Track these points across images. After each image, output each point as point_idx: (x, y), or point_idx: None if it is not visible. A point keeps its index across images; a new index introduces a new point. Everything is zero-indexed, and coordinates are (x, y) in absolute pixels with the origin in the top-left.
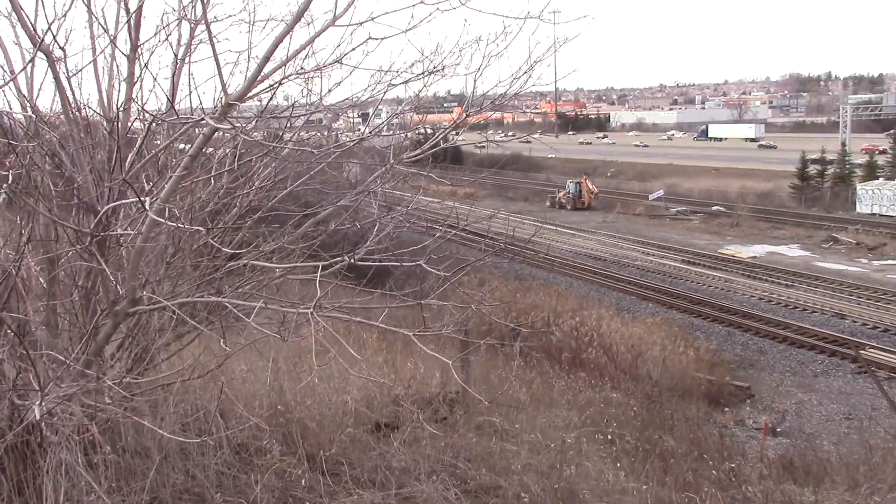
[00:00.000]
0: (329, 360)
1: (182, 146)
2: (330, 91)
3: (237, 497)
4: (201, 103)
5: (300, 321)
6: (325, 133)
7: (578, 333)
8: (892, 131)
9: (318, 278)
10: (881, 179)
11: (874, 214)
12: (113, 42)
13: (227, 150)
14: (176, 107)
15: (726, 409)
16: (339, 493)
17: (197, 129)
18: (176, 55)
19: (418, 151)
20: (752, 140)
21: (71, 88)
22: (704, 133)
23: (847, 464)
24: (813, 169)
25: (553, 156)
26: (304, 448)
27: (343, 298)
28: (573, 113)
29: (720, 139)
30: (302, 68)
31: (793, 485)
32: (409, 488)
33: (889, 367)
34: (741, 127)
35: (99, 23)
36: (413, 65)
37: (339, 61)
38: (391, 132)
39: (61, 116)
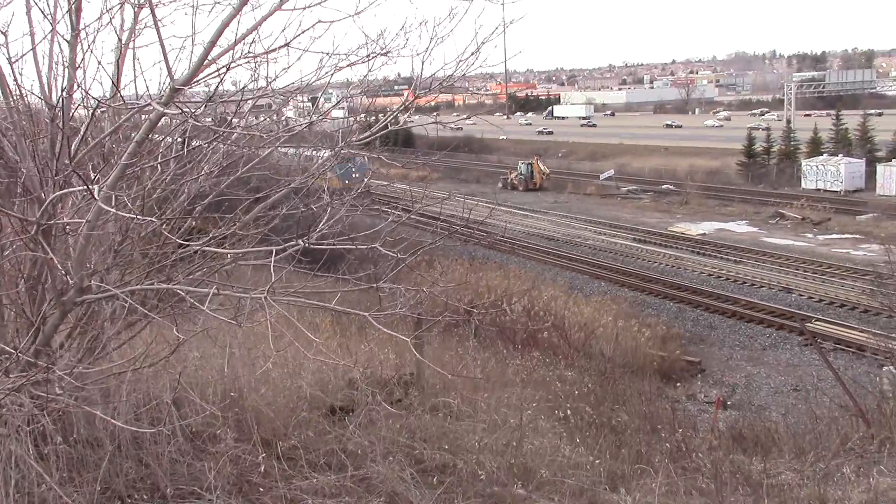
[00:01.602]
0: (284, 346)
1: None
2: (277, 76)
3: (191, 485)
4: (147, 89)
5: (254, 307)
6: (275, 118)
7: (532, 313)
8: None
9: (271, 263)
10: (825, 156)
11: (819, 190)
12: (53, 26)
13: (176, 136)
14: (121, 92)
15: (678, 384)
16: (294, 478)
17: (143, 115)
18: (120, 40)
19: (367, 134)
20: (584, 118)
21: (14, 75)
22: (551, 113)
23: (794, 433)
24: (759, 145)
25: (504, 137)
26: (260, 434)
27: (297, 283)
28: (524, 94)
29: (562, 118)
30: (249, 53)
31: (742, 455)
32: (364, 470)
33: (834, 339)
34: (576, 108)
35: (38, 6)
36: (359, 48)
37: (286, 45)
38: (341, 116)
39: (2, 104)
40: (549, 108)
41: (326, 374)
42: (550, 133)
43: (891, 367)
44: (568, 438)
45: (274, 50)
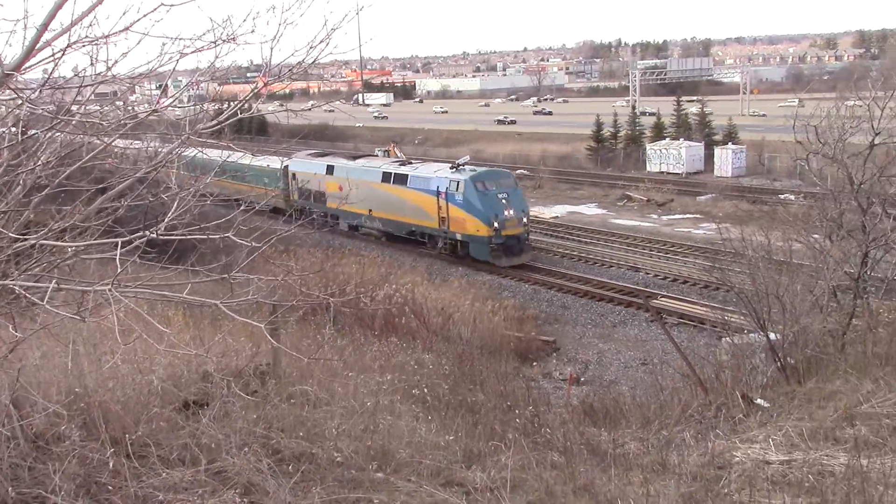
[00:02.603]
0: (133, 340)
1: None
2: (117, 62)
3: (35, 488)
4: None
5: (99, 300)
6: (120, 105)
7: (391, 300)
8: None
9: (117, 255)
10: (667, 140)
11: (662, 172)
12: None
13: (9, 124)
14: None
15: (534, 363)
16: (145, 475)
17: None
18: None
19: (214, 122)
20: (385, 105)
21: None
22: (358, 101)
23: (640, 405)
24: (606, 131)
25: (360, 125)
26: (108, 432)
27: (146, 276)
28: (379, 81)
29: (367, 105)
30: (87, 37)
31: (592, 427)
32: (220, 463)
33: (677, 314)
34: (380, 97)
35: None
36: (206, 33)
37: (126, 30)
38: (189, 103)
39: None
40: (355, 96)
41: (179, 367)
42: (385, 118)
43: (728, 338)
44: (425, 420)
45: (113, 34)
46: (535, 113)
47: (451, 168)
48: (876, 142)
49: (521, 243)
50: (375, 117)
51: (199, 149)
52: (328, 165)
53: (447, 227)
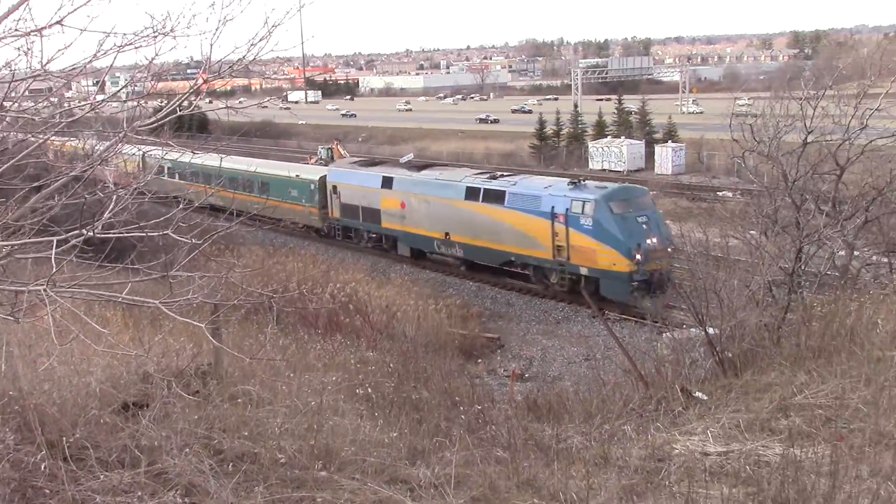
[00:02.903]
0: (70, 341)
1: None
2: (53, 57)
3: None
4: None
5: (34, 301)
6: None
7: (335, 298)
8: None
9: (52, 255)
10: (609, 138)
11: (605, 170)
12: None
13: None
14: None
15: (479, 360)
16: (83, 478)
17: None
18: None
19: (153, 119)
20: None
21: None
22: (285, 98)
23: (583, 399)
24: (549, 129)
25: (304, 122)
26: (44, 435)
27: (83, 275)
28: (322, 78)
29: (295, 102)
30: (17, 30)
31: (536, 422)
32: (160, 464)
33: (619, 310)
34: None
35: None
36: (143, 29)
37: (59, 23)
38: (126, 99)
39: None
40: (285, 94)
41: (118, 368)
42: (353, 116)
43: (669, 334)
44: (370, 418)
45: (46, 27)
46: (514, 111)
47: (571, 184)
48: (808, 140)
49: (665, 280)
50: (343, 115)
51: (196, 155)
52: (385, 177)
53: (566, 257)
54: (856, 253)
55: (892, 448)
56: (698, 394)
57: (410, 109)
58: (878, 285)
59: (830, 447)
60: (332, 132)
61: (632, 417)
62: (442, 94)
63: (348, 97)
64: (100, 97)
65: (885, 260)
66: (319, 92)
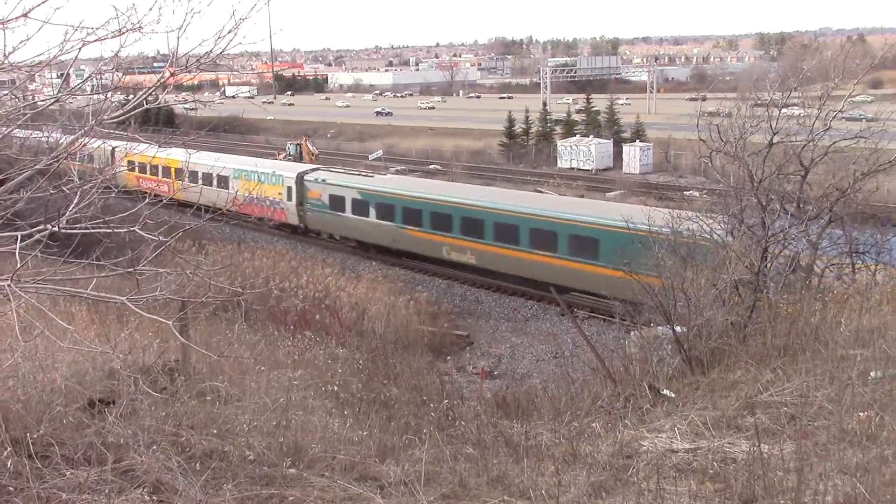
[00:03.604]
0: (34, 337)
1: None
2: (16, 49)
3: None
4: None
5: None
6: (19, 94)
7: (304, 294)
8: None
9: (16, 249)
10: (577, 137)
11: (573, 169)
12: None
13: None
14: None
15: (448, 357)
16: (48, 475)
17: None
18: None
19: (119, 113)
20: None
21: None
22: (224, 93)
23: (552, 397)
24: (518, 127)
25: (272, 118)
26: (8, 432)
27: (48, 271)
28: (290, 74)
29: (233, 97)
30: None
31: (505, 420)
32: (127, 461)
33: (589, 308)
34: (244, 89)
35: None
36: (109, 21)
37: (24, 15)
38: (92, 92)
39: None
40: (223, 88)
41: (84, 365)
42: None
43: (637, 332)
44: (339, 415)
45: (11, 20)
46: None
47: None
48: (774, 141)
49: None
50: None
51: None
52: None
53: None
54: (819, 252)
55: (856, 445)
56: (666, 391)
57: (391, 113)
58: (841, 285)
59: (795, 444)
60: (301, 128)
61: (600, 415)
62: (409, 93)
63: (290, 93)
64: (65, 90)
65: (848, 260)
66: (255, 87)
